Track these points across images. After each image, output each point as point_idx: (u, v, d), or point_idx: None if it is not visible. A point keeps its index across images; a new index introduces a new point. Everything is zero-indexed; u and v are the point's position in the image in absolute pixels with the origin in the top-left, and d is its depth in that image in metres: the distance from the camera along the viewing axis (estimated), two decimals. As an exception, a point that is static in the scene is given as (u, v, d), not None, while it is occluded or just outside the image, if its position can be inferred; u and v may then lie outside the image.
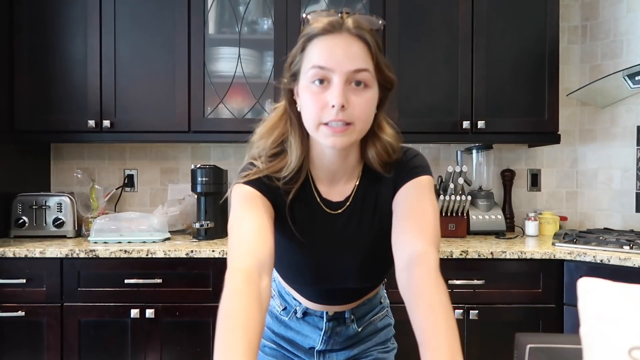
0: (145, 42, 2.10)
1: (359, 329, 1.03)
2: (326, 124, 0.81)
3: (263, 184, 0.88)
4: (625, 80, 2.01)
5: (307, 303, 1.01)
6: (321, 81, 0.81)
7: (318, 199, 0.93)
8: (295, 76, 0.86)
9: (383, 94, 0.88)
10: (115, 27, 2.09)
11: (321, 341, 1.02)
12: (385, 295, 1.13)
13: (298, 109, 0.87)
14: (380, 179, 0.92)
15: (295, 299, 1.02)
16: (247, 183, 0.88)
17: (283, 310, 1.04)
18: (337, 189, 0.93)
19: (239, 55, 2.12)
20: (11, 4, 2.08)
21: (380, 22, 0.86)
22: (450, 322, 0.68)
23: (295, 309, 1.02)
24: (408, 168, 0.90)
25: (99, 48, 2.08)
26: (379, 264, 0.96)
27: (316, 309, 1.01)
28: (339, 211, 0.93)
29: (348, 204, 0.93)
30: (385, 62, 0.85)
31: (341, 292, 0.98)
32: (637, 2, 2.20)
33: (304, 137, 0.89)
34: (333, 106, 0.79)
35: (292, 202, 0.91)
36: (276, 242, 0.86)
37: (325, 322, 1.01)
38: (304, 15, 0.86)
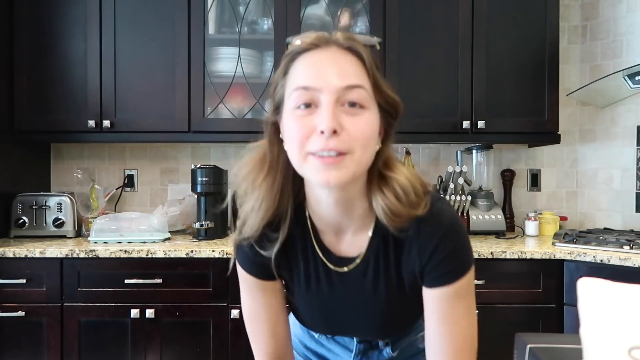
0: (145, 42, 2.10)
1: (394, 353, 0.92)
2: (314, 153, 0.66)
3: (253, 264, 0.80)
4: (625, 80, 2.01)
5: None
6: (307, 105, 0.67)
7: (320, 254, 0.79)
8: (278, 107, 0.73)
9: (387, 122, 0.74)
10: (115, 27, 2.09)
11: None
12: None
13: (285, 147, 0.72)
14: (403, 238, 0.75)
15: None
16: (241, 263, 0.82)
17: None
18: (345, 241, 0.79)
19: (239, 55, 2.12)
20: (11, 4, 2.08)
21: (376, 39, 0.74)
22: None
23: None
24: (445, 259, 0.72)
25: (98, 48, 2.08)
26: (403, 321, 0.85)
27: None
28: (346, 269, 0.79)
29: (359, 261, 0.78)
30: (385, 81, 0.72)
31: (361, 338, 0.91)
32: (637, 2, 2.20)
33: (289, 182, 0.75)
34: (322, 132, 0.65)
35: (290, 260, 0.79)
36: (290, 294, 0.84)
37: (356, 344, 0.92)
38: (287, 41, 0.73)
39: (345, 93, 0.67)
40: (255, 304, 0.83)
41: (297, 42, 0.71)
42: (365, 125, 0.68)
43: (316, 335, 0.97)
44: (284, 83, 0.71)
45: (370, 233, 0.77)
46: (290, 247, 0.80)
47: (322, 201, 0.75)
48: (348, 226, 0.78)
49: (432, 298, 0.75)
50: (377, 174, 0.74)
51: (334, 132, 0.65)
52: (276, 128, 0.75)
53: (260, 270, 0.81)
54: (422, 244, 0.74)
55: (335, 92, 0.66)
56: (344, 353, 0.93)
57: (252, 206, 0.75)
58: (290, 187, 0.76)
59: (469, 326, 0.75)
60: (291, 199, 0.77)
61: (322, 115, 0.65)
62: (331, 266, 0.79)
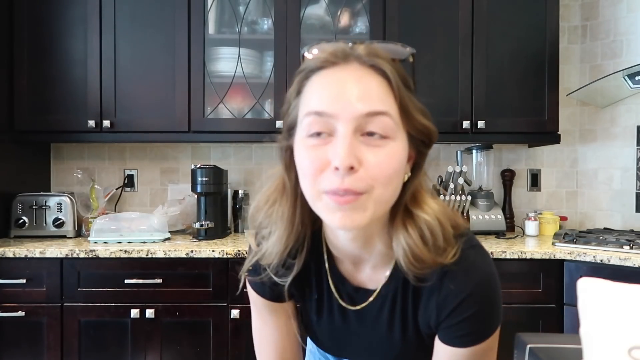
0: (146, 42, 2.09)
1: None
2: (330, 193, 0.57)
3: (264, 286, 0.75)
4: (625, 80, 2.01)
5: None
6: (319, 134, 0.57)
7: (334, 290, 0.73)
8: (291, 129, 0.63)
9: (417, 152, 0.64)
10: (115, 27, 2.08)
11: None
12: None
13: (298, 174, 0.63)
14: (424, 290, 0.67)
15: None
16: (252, 285, 0.78)
17: None
18: (364, 272, 0.72)
19: (239, 55, 2.12)
20: (11, 4, 2.08)
21: (408, 49, 0.63)
22: None
23: None
24: (465, 320, 0.63)
25: (99, 48, 2.08)
26: None
27: None
28: (359, 307, 0.72)
29: (373, 299, 0.71)
30: (417, 104, 0.62)
31: None
32: (637, 2, 2.20)
33: (305, 210, 0.66)
34: (337, 168, 0.55)
35: (303, 288, 0.75)
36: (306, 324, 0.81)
37: None
38: (303, 53, 0.64)
39: (366, 121, 0.56)
40: (265, 326, 0.80)
41: (313, 54, 0.62)
42: (388, 160, 0.57)
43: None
44: (297, 104, 0.62)
45: (388, 272, 0.69)
46: (304, 275, 0.74)
47: (338, 236, 0.67)
48: (367, 260, 0.70)
49: (443, 352, 0.67)
50: (403, 208, 0.64)
51: (351, 168, 0.55)
52: (291, 153, 0.63)
53: (271, 293, 0.77)
54: (443, 299, 0.64)
55: (354, 120, 0.56)
56: None
57: (273, 236, 0.68)
58: (308, 215, 0.68)
59: None
60: (309, 228, 0.70)
61: (337, 148, 0.55)
62: (343, 304, 0.73)
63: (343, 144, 0.55)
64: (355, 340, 0.75)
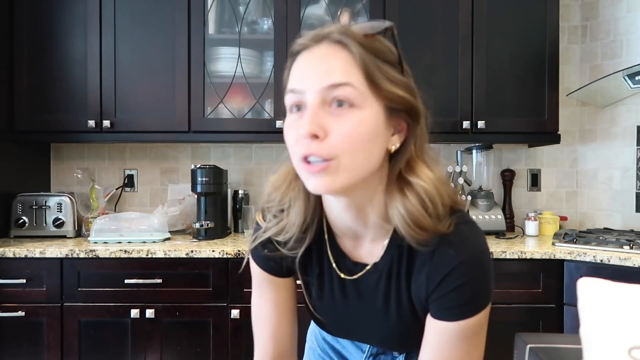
0: (146, 42, 2.09)
1: None
2: (305, 159, 0.62)
3: (269, 261, 0.78)
4: (625, 80, 2.01)
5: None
6: (298, 107, 0.64)
7: (333, 262, 0.76)
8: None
9: (404, 121, 0.67)
10: (115, 27, 2.08)
11: None
12: None
13: None
14: (416, 255, 0.69)
15: None
16: (255, 259, 0.81)
17: None
18: (363, 247, 0.75)
19: (239, 55, 2.12)
20: (11, 4, 2.08)
21: (386, 23, 0.65)
22: None
23: None
24: (453, 291, 0.65)
25: (99, 48, 2.08)
26: (414, 339, 0.75)
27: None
28: (356, 276, 0.75)
29: (369, 268, 0.73)
30: (393, 76, 0.64)
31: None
32: (637, 2, 2.20)
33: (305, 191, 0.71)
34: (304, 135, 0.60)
35: (306, 263, 0.78)
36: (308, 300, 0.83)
37: (369, 347, 0.89)
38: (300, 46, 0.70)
39: (330, 92, 0.61)
40: (263, 301, 0.82)
41: (300, 40, 0.68)
42: (354, 127, 0.61)
43: None
44: (287, 84, 0.68)
45: (385, 242, 0.71)
46: (307, 251, 0.77)
47: (333, 207, 0.71)
48: (364, 234, 0.73)
49: (433, 329, 0.68)
50: (398, 176, 0.67)
51: (315, 136, 0.60)
52: None
53: (275, 267, 0.79)
54: (433, 268, 0.67)
55: (318, 93, 0.61)
56: (356, 353, 0.92)
57: (293, 209, 0.72)
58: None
59: None
60: (319, 204, 0.74)
61: (304, 118, 0.61)
62: (341, 274, 0.75)
63: (308, 114, 0.61)
64: (354, 316, 0.78)
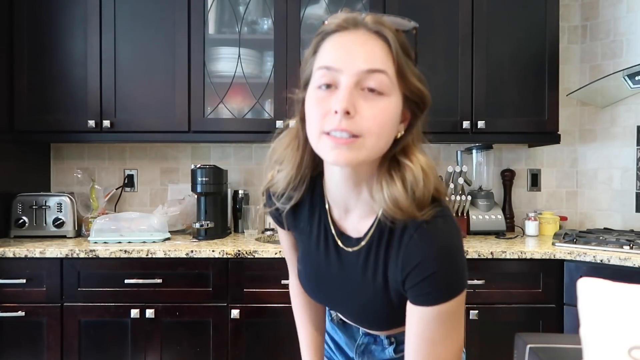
0: (146, 42, 2.09)
1: (396, 356, 0.91)
2: (328, 133, 0.67)
3: (279, 215, 0.88)
4: (625, 80, 2.01)
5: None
6: (328, 86, 0.68)
7: (331, 224, 0.83)
8: (306, 84, 0.73)
9: (412, 113, 0.74)
10: (115, 27, 2.09)
11: (356, 356, 0.96)
12: None
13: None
14: (398, 238, 0.74)
15: None
16: (270, 213, 0.91)
17: (330, 310, 1.04)
18: (350, 221, 0.81)
19: (239, 55, 2.12)
20: (11, 4, 2.08)
21: (412, 23, 0.73)
22: None
23: (335, 317, 1.00)
24: (425, 280, 0.69)
25: (99, 48, 2.08)
26: (386, 320, 0.82)
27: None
28: (346, 248, 0.81)
29: (363, 243, 0.78)
30: (414, 70, 0.71)
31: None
32: (637, 2, 2.20)
33: (306, 158, 0.79)
34: (336, 112, 0.65)
35: (299, 216, 0.86)
36: (298, 262, 0.92)
37: (361, 336, 0.94)
38: (324, 21, 0.73)
39: (365, 77, 0.66)
40: (282, 241, 0.97)
41: (330, 21, 0.71)
42: (381, 112, 0.67)
43: (333, 314, 1.01)
44: (312, 61, 0.72)
45: (371, 222, 0.77)
46: (303, 212, 0.85)
47: (334, 176, 0.77)
48: (354, 207, 0.79)
49: (412, 314, 0.73)
50: (391, 158, 0.73)
51: (347, 113, 0.65)
52: (304, 104, 0.74)
53: (277, 219, 0.91)
54: (406, 256, 0.71)
55: (355, 75, 0.66)
56: (349, 342, 0.97)
57: (282, 172, 0.81)
58: (312, 162, 0.80)
59: (448, 350, 0.71)
60: (310, 172, 0.81)
61: (339, 96, 0.65)
62: (337, 239, 0.82)
63: (344, 92, 0.65)
64: (333, 283, 0.85)
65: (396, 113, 0.70)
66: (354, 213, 0.79)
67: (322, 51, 0.70)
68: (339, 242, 0.81)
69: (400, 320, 0.77)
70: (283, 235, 0.95)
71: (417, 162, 0.72)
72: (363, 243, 0.78)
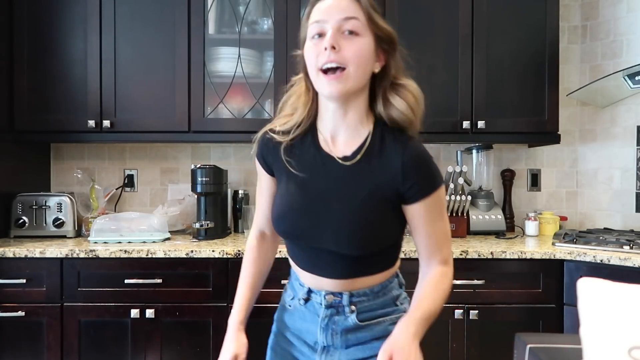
0: (146, 42, 2.10)
1: (360, 322, 1.00)
2: (324, 72, 0.91)
3: (264, 147, 1.05)
4: (625, 80, 2.02)
5: (305, 278, 1.04)
6: (319, 35, 0.92)
7: (322, 145, 1.01)
8: (303, 42, 0.97)
9: (387, 53, 0.96)
10: (115, 27, 2.09)
11: (320, 331, 1.02)
12: (407, 299, 1.06)
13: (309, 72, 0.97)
14: (389, 157, 0.95)
15: (300, 284, 1.06)
16: (257, 155, 1.08)
17: (291, 299, 1.08)
18: (337, 147, 1.00)
19: (239, 55, 2.12)
20: (11, 4, 2.08)
21: None
22: (435, 295, 0.96)
23: (300, 297, 1.05)
24: (425, 179, 0.95)
25: (99, 48, 2.09)
26: (364, 234, 0.95)
27: (313, 285, 1.03)
28: (348, 163, 0.98)
29: (359, 157, 0.97)
30: (380, 17, 0.95)
31: (329, 257, 0.99)
32: (637, 2, 2.20)
33: (311, 98, 1.00)
34: (326, 48, 0.89)
35: (295, 147, 1.02)
36: (276, 199, 1.05)
37: (324, 309, 1.01)
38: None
39: (344, 23, 0.90)
40: (260, 187, 1.12)
41: None
42: (358, 47, 0.91)
43: (291, 307, 1.08)
44: (306, 23, 0.95)
45: (359, 143, 0.98)
46: (300, 143, 1.02)
47: (328, 109, 0.99)
48: (340, 133, 0.99)
49: (415, 213, 0.96)
50: (389, 85, 0.96)
51: (333, 47, 0.89)
52: (303, 59, 0.97)
53: (264, 163, 1.07)
54: (407, 161, 0.94)
55: (336, 22, 0.90)
56: (313, 319, 1.03)
57: (296, 114, 1.01)
58: (315, 106, 1.01)
59: (445, 224, 1.00)
60: (313, 113, 1.02)
61: (327, 38, 0.90)
62: (333, 157, 0.98)
63: (330, 35, 0.90)
64: (318, 202, 0.98)
65: (370, 49, 0.93)
66: (341, 138, 1.00)
67: (313, 14, 0.94)
68: (337, 159, 0.98)
69: (374, 241, 0.95)
70: (264, 183, 1.10)
71: (412, 85, 0.97)
72: (359, 157, 0.97)
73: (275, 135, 1.02)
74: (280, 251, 1.25)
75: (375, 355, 0.90)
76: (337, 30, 0.90)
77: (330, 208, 0.95)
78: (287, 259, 1.12)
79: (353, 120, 0.98)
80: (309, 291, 1.03)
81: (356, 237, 0.94)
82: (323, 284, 1.01)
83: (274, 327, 1.16)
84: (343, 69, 0.89)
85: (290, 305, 1.09)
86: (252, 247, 1.16)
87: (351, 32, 0.91)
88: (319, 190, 0.98)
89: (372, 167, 0.95)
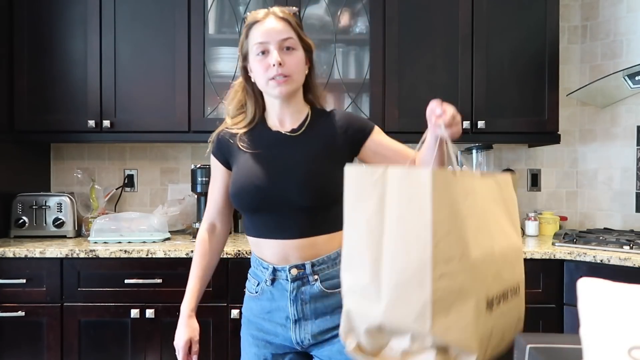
0: (146, 42, 2.10)
1: (326, 289, 1.13)
2: (272, 79, 1.11)
3: (219, 143, 1.24)
4: (625, 80, 2.01)
5: (269, 251, 1.15)
6: (263, 52, 1.13)
7: (271, 127, 1.20)
8: (246, 56, 1.18)
9: (309, 57, 1.20)
10: (115, 27, 2.09)
11: (290, 304, 1.13)
12: None
13: (252, 80, 1.18)
14: (326, 124, 1.20)
15: (264, 267, 1.16)
16: (213, 152, 1.26)
17: (257, 286, 1.19)
18: (285, 125, 1.21)
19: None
20: (11, 4, 2.08)
21: (294, 9, 1.21)
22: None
23: (265, 279, 1.16)
24: (358, 123, 1.21)
25: (99, 48, 2.09)
26: (318, 181, 1.13)
27: (278, 259, 1.14)
28: (295, 134, 1.19)
29: (304, 128, 1.19)
30: (304, 34, 1.18)
31: (290, 217, 1.13)
32: (637, 2, 2.20)
33: (258, 99, 1.22)
34: (274, 65, 1.10)
35: (248, 134, 1.20)
36: (234, 177, 1.19)
37: (290, 283, 1.13)
38: (244, 16, 1.03)
39: (283, 42, 1.12)
40: (213, 181, 1.27)
41: (251, 16, 1.15)
42: (296, 60, 1.14)
43: (258, 294, 1.19)
44: (247, 42, 1.16)
45: (301, 120, 1.20)
46: (253, 131, 1.22)
47: (275, 104, 1.19)
48: (288, 118, 1.20)
49: (373, 143, 1.19)
50: (312, 85, 1.23)
51: (280, 64, 1.10)
52: (245, 69, 1.19)
53: (220, 156, 1.24)
54: (341, 118, 1.21)
55: (277, 43, 1.12)
56: (282, 296, 1.14)
57: (248, 111, 1.23)
58: (261, 101, 1.23)
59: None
60: (260, 107, 1.23)
61: (272, 56, 1.11)
62: (283, 133, 1.19)
63: (274, 54, 1.11)
64: (280, 163, 1.15)
65: (303, 58, 1.16)
66: (287, 120, 1.20)
67: (253, 34, 1.14)
68: (286, 133, 1.18)
69: (329, 190, 1.10)
70: (218, 176, 1.25)
71: (318, 85, 1.26)
72: (304, 128, 1.19)
73: (230, 131, 1.22)
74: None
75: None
76: (279, 49, 1.12)
77: (287, 168, 1.13)
78: None
79: (295, 109, 1.20)
80: (274, 270, 1.14)
81: (313, 187, 1.12)
82: (287, 252, 1.13)
83: (243, 319, 1.26)
84: (288, 76, 1.12)
85: (256, 292, 1.19)
86: (202, 240, 1.29)
87: (289, 48, 1.13)
88: (275, 158, 1.16)
89: (316, 132, 1.18)
